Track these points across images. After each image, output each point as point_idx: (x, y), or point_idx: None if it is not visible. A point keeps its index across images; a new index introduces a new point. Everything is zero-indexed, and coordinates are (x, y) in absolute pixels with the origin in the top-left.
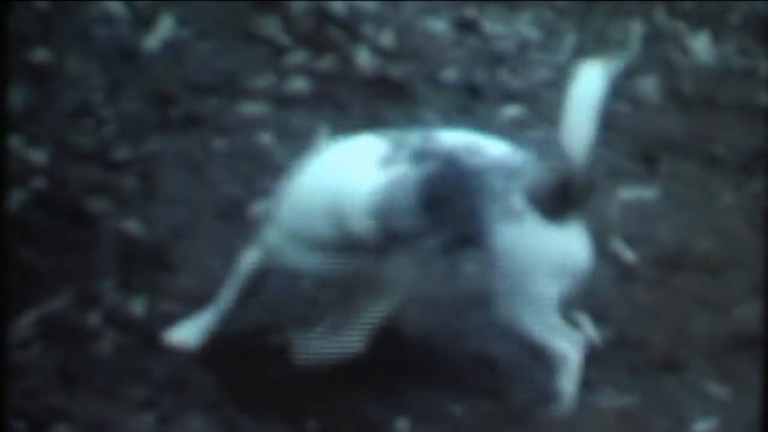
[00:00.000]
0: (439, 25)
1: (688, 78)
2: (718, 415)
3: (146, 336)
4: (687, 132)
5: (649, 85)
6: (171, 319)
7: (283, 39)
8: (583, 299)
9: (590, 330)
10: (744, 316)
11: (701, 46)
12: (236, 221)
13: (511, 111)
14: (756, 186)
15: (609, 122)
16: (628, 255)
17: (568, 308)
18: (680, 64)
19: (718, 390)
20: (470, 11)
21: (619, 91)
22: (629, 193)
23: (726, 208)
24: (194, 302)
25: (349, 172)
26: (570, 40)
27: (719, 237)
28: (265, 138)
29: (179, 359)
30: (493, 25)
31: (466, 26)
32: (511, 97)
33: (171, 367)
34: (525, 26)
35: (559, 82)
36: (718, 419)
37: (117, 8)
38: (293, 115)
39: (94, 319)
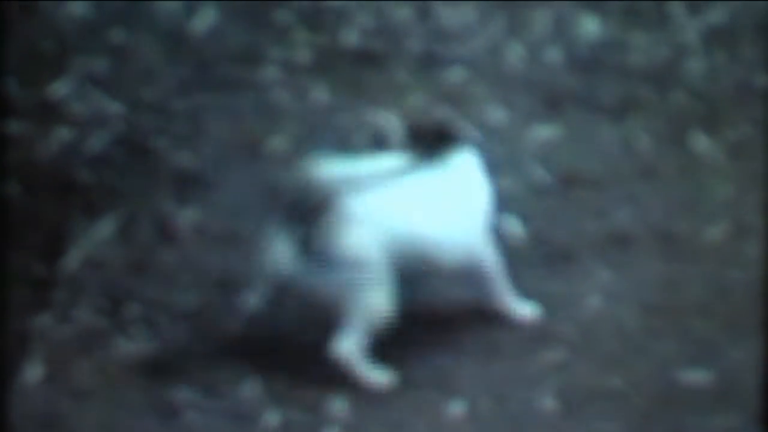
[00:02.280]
0: (404, 12)
1: (582, 47)
2: (603, 295)
3: (198, 235)
4: (581, 85)
5: (555, 53)
6: (213, 224)
7: (293, 22)
8: (514, 208)
9: (518, 230)
10: (620, 219)
11: (590, 24)
12: (259, 153)
13: (459, 72)
14: (628, 123)
15: (529, 79)
16: (542, 175)
17: None
18: (576, 37)
19: (604, 275)
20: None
21: (535, 58)
22: (542, 131)
23: (608, 140)
24: (228, 212)
25: None
26: (500, 20)
27: (604, 161)
28: (280, 94)
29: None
30: (443, 10)
31: (424, 12)
32: (458, 61)
33: (221, 261)
34: (467, 10)
35: (494, 50)
36: (604, 297)
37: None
38: (300, 78)
39: (156, 224)
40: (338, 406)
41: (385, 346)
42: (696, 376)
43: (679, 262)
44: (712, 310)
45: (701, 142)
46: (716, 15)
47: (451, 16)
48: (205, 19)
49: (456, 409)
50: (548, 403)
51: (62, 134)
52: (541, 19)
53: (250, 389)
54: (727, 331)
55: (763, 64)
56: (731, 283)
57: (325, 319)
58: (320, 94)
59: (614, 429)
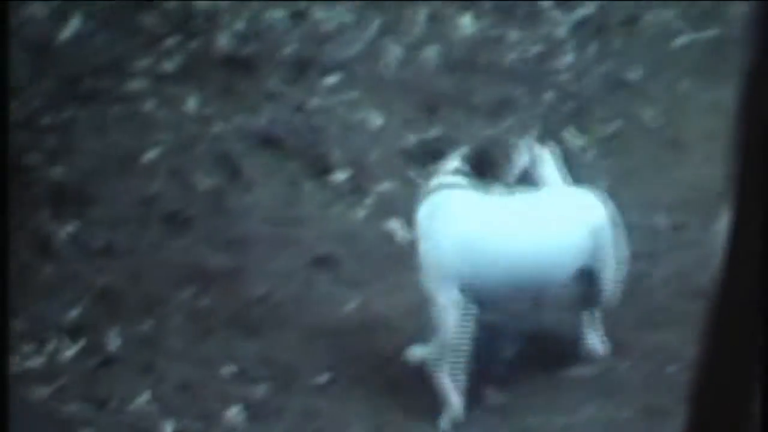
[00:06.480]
0: (278, 14)
1: (457, 46)
2: None
3: (79, 246)
4: (455, 87)
5: (430, 54)
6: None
7: (160, 29)
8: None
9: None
10: None
11: (466, 23)
12: (132, 167)
13: (331, 79)
14: (502, 125)
15: (405, 85)
16: None
17: None
18: (452, 36)
19: None
20: (302, 4)
21: (408, 60)
22: (420, 136)
23: None
24: (104, 224)
25: None
26: (376, 23)
27: None
28: (148, 105)
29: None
30: (319, 12)
31: (298, 15)
32: (332, 67)
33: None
34: (343, 12)
35: (367, 55)
36: None
37: (41, 10)
38: (170, 87)
39: (34, 239)
40: (234, 416)
41: None
42: None
43: None
44: None
45: (574, 139)
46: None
47: (325, 20)
48: (71, 29)
49: None
50: None
51: None
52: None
53: (143, 402)
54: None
55: (631, 58)
56: None
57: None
58: (191, 102)
59: None
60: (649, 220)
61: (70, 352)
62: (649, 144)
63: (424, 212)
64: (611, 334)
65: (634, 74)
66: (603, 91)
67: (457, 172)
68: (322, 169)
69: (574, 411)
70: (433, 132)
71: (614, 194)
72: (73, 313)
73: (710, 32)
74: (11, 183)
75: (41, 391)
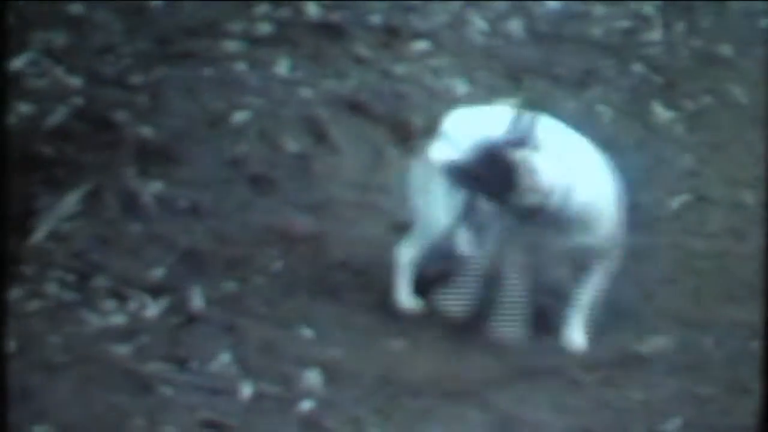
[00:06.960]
0: None
1: (542, 20)
2: None
3: (163, 205)
4: (540, 58)
5: (515, 26)
6: (178, 196)
7: None
8: None
9: None
10: None
11: None
12: (221, 127)
13: (419, 45)
14: (587, 96)
15: (490, 54)
16: None
17: None
18: (536, 10)
19: None
20: None
21: (495, 31)
22: (504, 103)
23: (568, 112)
24: (190, 184)
25: None
26: None
27: None
28: (240, 67)
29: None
30: None
31: None
32: (419, 35)
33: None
34: None
35: (453, 24)
36: None
37: None
38: (260, 51)
39: (120, 197)
40: (312, 379)
41: None
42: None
43: (643, 232)
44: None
45: (660, 114)
46: None
47: None
48: None
49: None
50: None
51: (22, 108)
52: None
53: (223, 362)
54: (692, 300)
55: (720, 35)
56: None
57: None
58: (281, 66)
59: None
60: (736, 197)
61: (152, 310)
62: (737, 120)
63: None
64: (694, 309)
65: (724, 50)
66: (692, 66)
67: None
68: (405, 136)
69: (654, 387)
70: (518, 102)
71: (699, 169)
72: (157, 272)
73: None
74: (98, 140)
75: (122, 349)
